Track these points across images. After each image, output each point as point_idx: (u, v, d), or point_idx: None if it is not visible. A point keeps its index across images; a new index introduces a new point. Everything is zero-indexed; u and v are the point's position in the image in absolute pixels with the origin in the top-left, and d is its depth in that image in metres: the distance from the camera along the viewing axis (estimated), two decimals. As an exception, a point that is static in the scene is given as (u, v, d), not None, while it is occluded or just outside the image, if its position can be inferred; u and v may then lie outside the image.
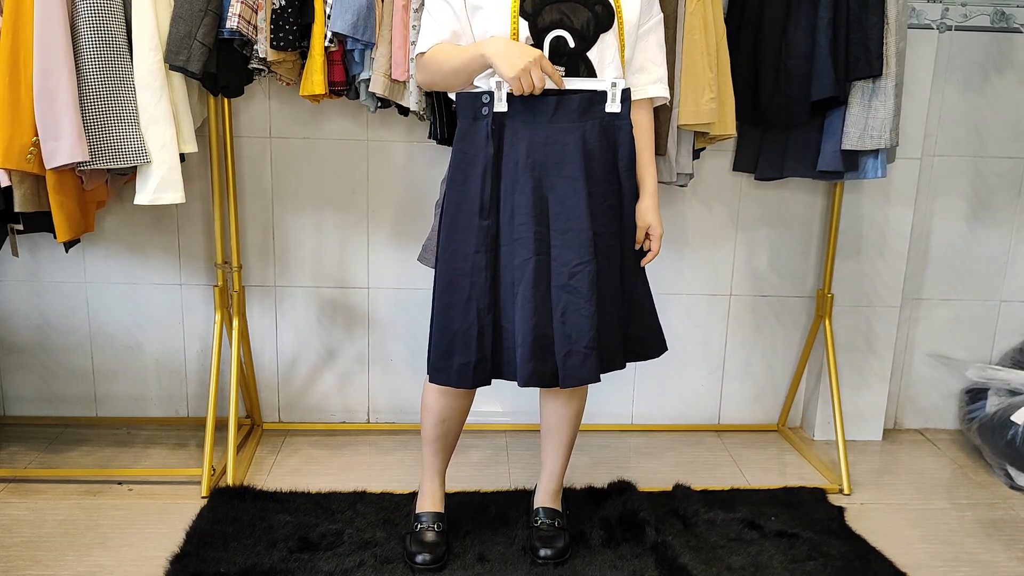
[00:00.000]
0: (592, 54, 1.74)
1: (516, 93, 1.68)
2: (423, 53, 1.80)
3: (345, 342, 2.61)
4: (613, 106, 1.75)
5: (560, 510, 2.02)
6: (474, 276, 1.77)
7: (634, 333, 1.88)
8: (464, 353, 1.79)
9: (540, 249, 1.75)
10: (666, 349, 1.95)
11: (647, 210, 1.85)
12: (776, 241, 2.62)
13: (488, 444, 2.56)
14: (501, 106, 1.73)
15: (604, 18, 1.73)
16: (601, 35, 1.74)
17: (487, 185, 1.75)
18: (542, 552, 1.91)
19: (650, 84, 1.85)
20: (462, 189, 1.77)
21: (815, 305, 2.61)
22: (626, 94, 1.77)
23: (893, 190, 2.54)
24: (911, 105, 2.45)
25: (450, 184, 1.79)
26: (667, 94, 1.88)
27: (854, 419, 2.66)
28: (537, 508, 2.02)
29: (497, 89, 1.72)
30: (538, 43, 1.71)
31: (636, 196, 1.84)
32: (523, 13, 1.70)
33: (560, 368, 1.77)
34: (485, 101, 1.73)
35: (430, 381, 1.86)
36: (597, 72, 1.75)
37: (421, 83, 1.88)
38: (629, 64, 1.82)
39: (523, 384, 1.78)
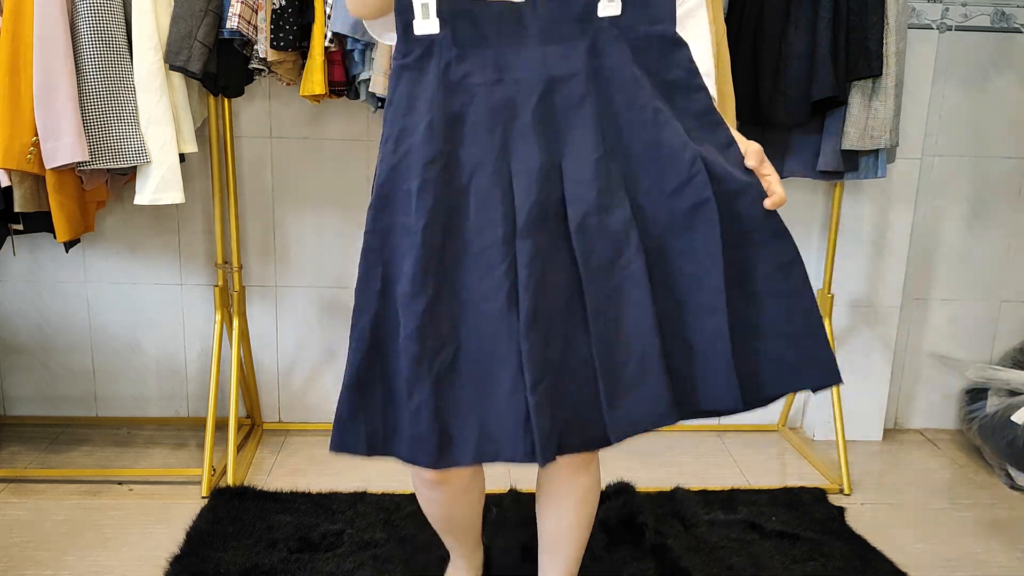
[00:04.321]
0: None
1: None
2: None
3: (345, 342, 2.58)
4: (611, 7, 1.20)
5: None
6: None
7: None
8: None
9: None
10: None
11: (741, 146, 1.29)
12: (776, 241, 2.62)
13: (488, 444, 2.56)
14: (452, 30, 1.18)
15: None
16: None
17: (430, 152, 1.23)
18: None
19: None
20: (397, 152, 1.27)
21: (815, 305, 2.61)
22: None
23: (893, 190, 2.54)
24: (911, 105, 2.44)
25: (383, 150, 1.29)
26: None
27: (854, 419, 2.65)
28: None
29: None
30: None
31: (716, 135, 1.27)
32: None
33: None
34: (422, 30, 1.19)
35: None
36: None
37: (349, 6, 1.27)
38: None
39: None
